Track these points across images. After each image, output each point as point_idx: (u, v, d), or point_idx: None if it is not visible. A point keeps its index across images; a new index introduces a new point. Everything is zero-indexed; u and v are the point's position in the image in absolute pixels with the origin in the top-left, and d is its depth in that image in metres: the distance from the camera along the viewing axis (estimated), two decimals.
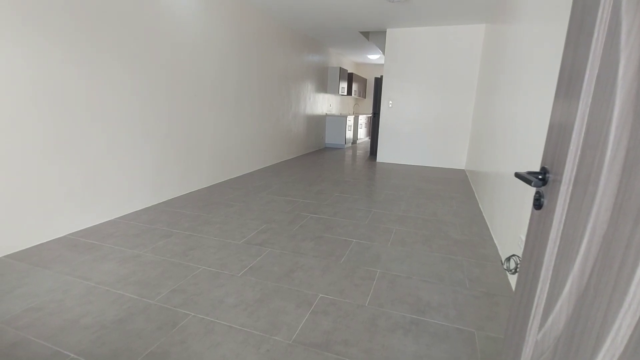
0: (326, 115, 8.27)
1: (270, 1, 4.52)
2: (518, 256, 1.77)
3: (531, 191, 1.91)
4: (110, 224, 2.83)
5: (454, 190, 4.38)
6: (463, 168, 5.96)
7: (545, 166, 0.76)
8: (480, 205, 3.66)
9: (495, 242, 2.67)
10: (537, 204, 0.77)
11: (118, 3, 2.76)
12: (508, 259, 1.85)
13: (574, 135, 0.68)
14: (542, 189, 0.77)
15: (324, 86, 7.98)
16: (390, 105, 6.19)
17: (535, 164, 1.86)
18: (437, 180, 5.01)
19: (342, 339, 1.56)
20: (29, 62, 2.24)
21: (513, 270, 1.75)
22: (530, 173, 0.77)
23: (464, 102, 5.73)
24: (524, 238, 1.87)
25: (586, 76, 0.65)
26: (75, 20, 2.46)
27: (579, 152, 0.66)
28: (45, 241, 2.48)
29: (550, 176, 0.75)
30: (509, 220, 2.33)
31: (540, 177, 0.75)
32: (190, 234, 2.67)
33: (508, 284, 2.04)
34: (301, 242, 2.58)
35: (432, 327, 1.66)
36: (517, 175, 0.78)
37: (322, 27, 5.96)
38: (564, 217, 0.69)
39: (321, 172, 5.26)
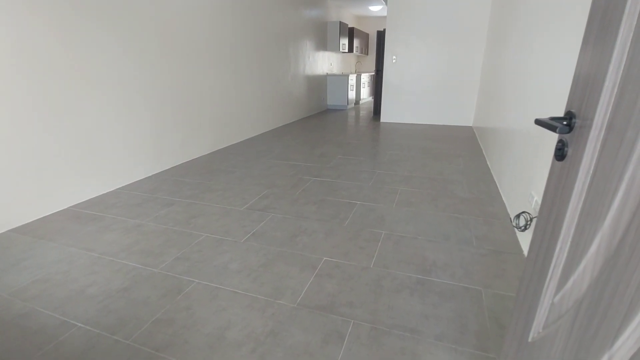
0: (327, 75, 7.95)
1: None
2: (528, 213, 1.71)
3: (544, 145, 1.80)
4: (112, 195, 2.80)
5: (461, 149, 4.25)
6: (471, 125, 5.77)
7: (572, 110, 0.66)
8: (488, 163, 3.56)
9: (504, 199, 2.60)
10: (560, 154, 0.68)
11: None
12: (517, 216, 1.79)
13: (610, 73, 0.57)
14: (566, 136, 0.67)
15: (323, 43, 7.60)
16: (394, 61, 5.89)
17: (550, 115, 1.73)
18: (444, 138, 4.86)
19: (347, 300, 1.55)
20: (8, 29, 2.08)
21: (523, 228, 1.69)
22: (553, 119, 0.67)
23: (472, 55, 5.42)
24: (534, 194, 1.80)
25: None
26: None
27: (615, 91, 0.56)
28: (48, 214, 2.47)
29: (577, 121, 0.65)
30: (519, 176, 2.23)
31: (565, 122, 0.65)
32: (192, 202, 2.64)
33: (517, 241, 2.00)
34: (304, 206, 2.54)
35: (438, 286, 1.63)
36: (538, 121, 0.68)
37: None
38: (592, 168, 0.60)
39: (324, 135, 5.13)
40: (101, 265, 1.85)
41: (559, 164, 0.70)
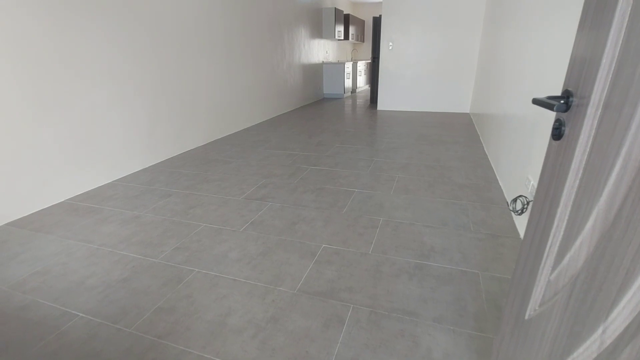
0: (323, 63, 7.87)
1: None
2: (525, 197, 1.72)
3: (540, 128, 1.80)
4: (108, 187, 2.79)
5: (458, 135, 4.25)
6: (468, 112, 5.76)
7: (569, 89, 0.66)
8: (485, 149, 3.56)
9: (501, 184, 2.61)
10: (557, 133, 0.68)
11: None
12: (514, 200, 1.80)
13: (607, 50, 0.57)
14: (564, 115, 0.67)
15: (318, 31, 7.50)
16: (390, 48, 5.83)
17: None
18: (441, 125, 4.86)
19: (347, 286, 1.56)
20: None
21: (519, 211, 1.71)
22: (551, 98, 0.67)
23: (469, 41, 5.37)
24: (531, 178, 1.81)
25: None
26: None
27: (612, 69, 0.56)
28: (45, 207, 2.46)
29: (575, 100, 0.65)
30: (516, 161, 2.24)
31: (562, 101, 0.65)
32: (190, 193, 2.63)
33: (513, 225, 2.02)
34: (302, 195, 2.54)
35: (436, 270, 1.65)
36: (536, 101, 0.68)
37: None
38: (589, 145, 0.60)
39: (321, 124, 5.10)
40: (100, 256, 1.86)
41: (556, 143, 0.70)
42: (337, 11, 7.62)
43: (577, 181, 0.63)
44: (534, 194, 1.70)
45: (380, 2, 9.65)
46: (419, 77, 5.83)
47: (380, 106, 6.24)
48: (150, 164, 3.31)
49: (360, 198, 2.46)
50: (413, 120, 5.28)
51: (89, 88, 2.63)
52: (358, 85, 9.36)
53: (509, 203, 1.86)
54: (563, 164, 0.67)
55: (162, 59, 3.29)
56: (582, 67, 0.64)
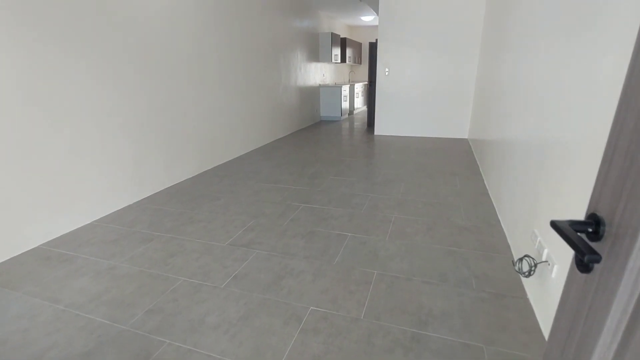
0: (320, 86, 7.84)
1: None
2: (532, 258, 1.56)
3: (547, 166, 1.65)
4: (88, 229, 2.63)
5: (457, 165, 4.12)
6: (466, 137, 5.65)
7: (599, 214, 0.51)
8: (485, 182, 3.42)
9: (504, 227, 2.45)
10: (582, 263, 0.53)
11: None
12: (520, 260, 1.64)
13: None
14: (594, 244, 0.52)
15: (315, 54, 7.49)
16: (387, 73, 5.78)
17: (554, 130, 1.59)
18: (439, 153, 4.73)
19: None
20: None
21: (526, 274, 1.55)
22: (575, 223, 0.52)
23: (465, 66, 5.31)
24: (538, 234, 1.65)
25: None
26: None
27: None
28: (16, 254, 2.29)
29: (607, 229, 0.50)
30: (520, 204, 2.09)
31: (590, 229, 0.50)
32: (172, 237, 2.47)
33: (519, 281, 1.85)
34: (291, 240, 2.38)
35: (435, 342, 1.47)
36: (556, 227, 0.53)
37: None
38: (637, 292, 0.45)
39: (316, 151, 4.98)
40: (65, 320, 1.68)
41: (581, 275, 0.55)
42: (333, 35, 7.63)
43: (620, 335, 0.48)
44: (541, 253, 1.54)
45: (377, 26, 9.72)
46: (416, 102, 5.75)
47: (378, 131, 6.14)
48: (136, 200, 3.16)
49: (354, 245, 2.30)
50: (410, 146, 5.16)
51: (68, 124, 2.50)
52: (356, 106, 9.31)
53: (515, 262, 1.70)
54: (594, 307, 0.51)
55: (150, 89, 3.18)
56: (622, 182, 0.50)
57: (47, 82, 2.35)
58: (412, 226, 2.54)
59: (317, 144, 5.45)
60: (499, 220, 2.58)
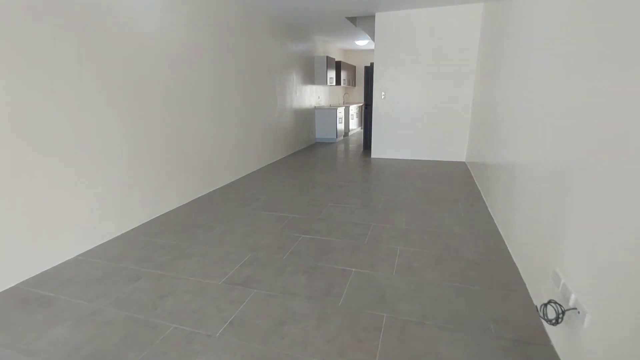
0: (315, 108, 7.82)
1: None
2: (559, 304, 1.43)
3: (574, 194, 1.55)
4: (71, 265, 2.44)
5: (458, 190, 4.03)
6: (464, 160, 5.61)
7: None
8: (489, 209, 3.32)
9: (515, 261, 2.33)
10: None
11: None
12: (545, 306, 1.51)
13: None
14: None
15: (310, 77, 7.51)
16: (383, 97, 5.77)
17: (577, 152, 1.49)
18: (438, 177, 4.65)
19: None
20: None
21: (553, 321, 1.41)
22: None
23: (462, 89, 5.33)
24: (561, 275, 1.53)
25: None
26: None
27: None
28: None
29: None
30: (533, 239, 1.98)
31: None
32: (163, 274, 2.29)
33: (540, 325, 1.71)
34: (292, 277, 2.22)
35: None
36: None
37: (305, 13, 5.47)
38: None
39: (313, 175, 4.87)
40: None
41: None
42: (329, 59, 7.69)
43: None
44: (568, 298, 1.42)
45: (371, 50, 9.89)
46: (412, 124, 5.73)
47: (375, 154, 6.08)
48: (125, 231, 2.98)
49: (359, 282, 2.15)
50: (409, 170, 5.09)
51: (51, 151, 2.36)
52: (350, 127, 9.31)
53: (539, 308, 1.57)
54: None
55: (143, 114, 3.07)
56: None
57: (28, 106, 2.21)
58: (419, 260, 2.40)
59: (314, 168, 5.34)
60: (509, 252, 2.46)
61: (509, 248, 2.51)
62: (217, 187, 4.27)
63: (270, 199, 3.82)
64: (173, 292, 2.08)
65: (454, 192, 3.93)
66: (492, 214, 3.19)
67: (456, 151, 5.61)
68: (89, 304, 1.99)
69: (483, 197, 3.70)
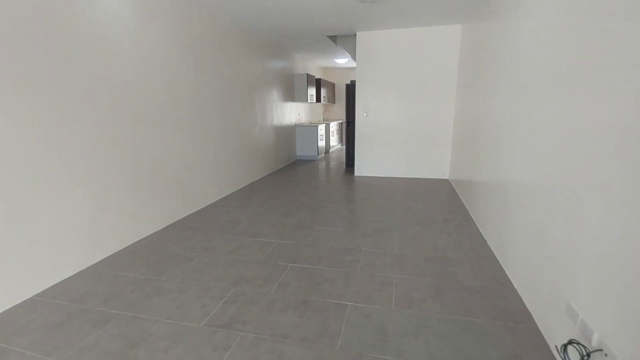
0: (296, 125, 7.71)
1: (227, 4, 3.91)
2: (582, 345, 1.31)
3: (586, 211, 1.45)
4: (27, 307, 2.12)
5: (446, 209, 3.97)
6: (447, 178, 5.62)
7: None
8: (481, 230, 3.25)
9: (516, 287, 2.23)
10: None
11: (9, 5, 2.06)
12: (565, 347, 1.39)
13: None
14: None
15: (291, 94, 7.42)
16: (365, 115, 5.74)
17: (560, 164, 1.41)
18: (424, 195, 4.60)
19: None
20: None
21: None
22: None
23: (443, 106, 5.38)
24: (578, 310, 1.42)
25: None
26: None
27: None
28: None
29: None
30: (537, 266, 1.88)
31: None
32: (134, 317, 2.02)
33: None
34: (282, 315, 2.01)
35: None
36: None
37: (287, 31, 5.40)
38: None
39: (296, 195, 4.69)
40: None
41: None
42: (309, 76, 7.65)
43: None
44: (590, 338, 1.30)
45: (350, 68, 9.98)
46: (395, 142, 5.71)
47: (358, 171, 5.99)
48: (92, 263, 2.67)
49: (356, 319, 1.97)
50: (394, 189, 5.01)
51: (5, 177, 2.07)
52: (331, 144, 9.25)
53: (559, 350, 1.45)
54: None
55: (111, 137, 2.82)
56: None
57: None
58: (417, 289, 2.26)
59: (297, 187, 5.17)
60: (508, 278, 2.37)
61: (507, 273, 2.42)
62: (196, 210, 4.00)
63: (253, 222, 3.60)
64: (146, 339, 1.82)
65: (442, 212, 3.86)
66: (484, 234, 3.12)
67: (439, 168, 5.61)
68: (46, 357, 1.70)
69: (472, 216, 3.65)
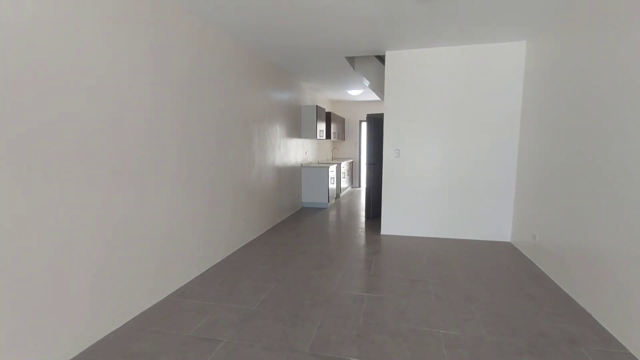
0: (302, 166, 6.40)
1: (232, 18, 2.70)
2: None
3: None
4: None
5: (530, 298, 2.49)
6: (509, 240, 4.18)
7: None
8: (629, 349, 1.77)
9: None
10: None
11: None
12: None
13: None
14: None
15: (297, 129, 6.19)
16: (397, 155, 4.42)
17: None
18: (496, 274, 3.13)
19: None
20: None
21: None
22: None
23: (501, 146, 4.07)
24: None
25: None
26: None
27: None
28: None
29: None
30: None
31: None
32: None
33: None
34: None
35: None
36: None
37: (300, 52, 4.26)
38: None
39: (307, 269, 3.24)
40: None
41: None
42: (319, 109, 6.47)
43: None
44: None
45: (365, 102, 8.86)
46: (437, 192, 4.33)
47: (385, 229, 4.56)
48: None
49: None
50: (444, 261, 3.56)
51: None
52: (342, 187, 7.90)
53: None
54: None
55: (78, 199, 1.45)
56: None
57: None
58: None
59: (306, 254, 3.72)
60: None
61: None
62: (179, 287, 2.51)
63: (239, 341, 2.11)
64: None
65: (526, 302, 2.40)
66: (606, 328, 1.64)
67: (498, 228, 4.19)
68: None
69: (591, 313, 2.18)
